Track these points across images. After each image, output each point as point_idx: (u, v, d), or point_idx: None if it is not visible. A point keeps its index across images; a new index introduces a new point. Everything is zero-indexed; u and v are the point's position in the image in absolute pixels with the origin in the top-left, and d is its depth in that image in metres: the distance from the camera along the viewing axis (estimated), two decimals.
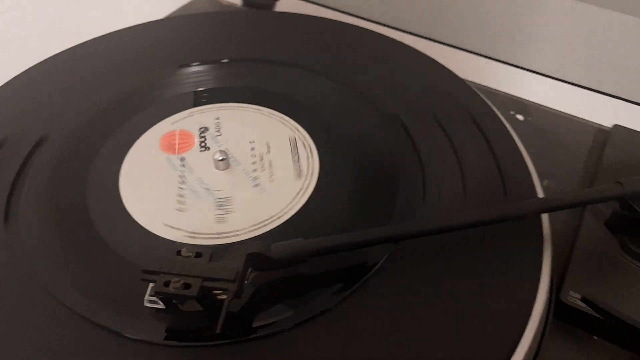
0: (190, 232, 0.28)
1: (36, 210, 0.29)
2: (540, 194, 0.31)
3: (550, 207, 0.28)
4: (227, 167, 0.31)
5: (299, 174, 0.30)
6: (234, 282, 0.22)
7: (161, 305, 0.24)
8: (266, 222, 0.29)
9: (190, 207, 0.29)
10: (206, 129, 0.34)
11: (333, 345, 0.24)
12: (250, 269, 0.24)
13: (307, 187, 0.30)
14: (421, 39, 0.47)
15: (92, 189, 0.30)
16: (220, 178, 0.31)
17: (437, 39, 0.48)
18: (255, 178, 0.31)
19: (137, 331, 0.24)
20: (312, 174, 0.31)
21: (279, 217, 0.29)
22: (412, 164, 0.32)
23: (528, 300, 0.26)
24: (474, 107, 0.35)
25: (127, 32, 0.43)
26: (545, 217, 0.30)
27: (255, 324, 0.24)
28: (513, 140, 0.33)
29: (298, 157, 0.31)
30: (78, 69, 0.39)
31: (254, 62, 0.39)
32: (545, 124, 0.42)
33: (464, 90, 0.37)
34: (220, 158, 0.31)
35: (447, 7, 0.46)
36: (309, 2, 0.52)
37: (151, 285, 0.24)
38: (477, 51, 0.46)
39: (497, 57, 0.46)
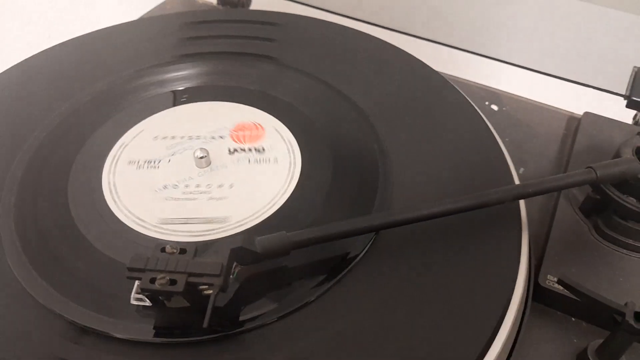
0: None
1: (16, 207, 0.29)
2: (516, 181, 0.32)
3: (527, 193, 0.28)
4: (208, 164, 0.31)
5: (162, 220, 0.29)
6: (219, 276, 0.23)
7: (147, 303, 0.24)
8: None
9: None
10: (261, 151, 0.34)
11: (319, 336, 0.24)
12: (235, 263, 0.24)
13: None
14: (395, 33, 0.48)
15: (74, 185, 0.30)
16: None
17: (411, 32, 0.48)
18: (174, 186, 0.31)
19: (124, 330, 0.24)
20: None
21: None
22: (389, 156, 0.32)
23: (508, 284, 0.27)
24: (448, 98, 0.36)
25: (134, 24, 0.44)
26: (521, 203, 0.30)
27: (241, 318, 0.24)
28: (489, 130, 0.34)
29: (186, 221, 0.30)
30: (82, 63, 0.39)
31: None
32: (519, 113, 0.43)
33: (438, 81, 0.37)
34: (201, 155, 0.31)
35: (420, 1, 0.47)
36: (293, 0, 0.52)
37: (137, 282, 0.24)
38: (451, 44, 0.47)
39: (470, 49, 0.47)
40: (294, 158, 0.32)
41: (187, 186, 0.30)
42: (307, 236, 0.25)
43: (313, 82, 0.36)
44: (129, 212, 0.29)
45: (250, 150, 0.33)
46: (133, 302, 0.24)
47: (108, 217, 0.29)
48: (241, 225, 0.29)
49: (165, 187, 0.30)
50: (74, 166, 0.31)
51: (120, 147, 0.33)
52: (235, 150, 0.33)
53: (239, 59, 0.39)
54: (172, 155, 0.32)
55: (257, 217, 0.29)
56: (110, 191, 0.30)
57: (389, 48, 0.40)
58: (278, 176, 0.31)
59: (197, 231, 0.28)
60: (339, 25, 0.42)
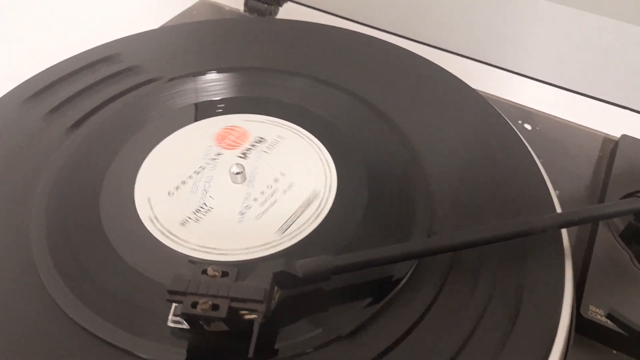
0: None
1: (47, 218, 0.29)
2: (557, 205, 0.31)
3: (572, 222, 0.28)
4: (241, 182, 0.31)
5: (281, 229, 0.29)
6: (263, 302, 0.22)
7: (185, 326, 0.23)
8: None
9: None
10: (262, 139, 0.33)
11: None
12: (276, 288, 0.24)
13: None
14: (423, 46, 0.47)
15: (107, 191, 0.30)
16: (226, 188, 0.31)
17: (440, 46, 0.48)
18: (247, 207, 0.30)
19: (158, 352, 0.23)
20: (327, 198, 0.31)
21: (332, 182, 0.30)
22: (427, 179, 0.31)
23: (553, 315, 0.26)
24: (487, 118, 0.35)
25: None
26: (563, 231, 0.30)
27: (280, 345, 0.24)
28: (529, 153, 0.33)
29: (298, 215, 0.30)
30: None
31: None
32: (553, 133, 0.42)
33: (476, 100, 0.36)
34: (236, 171, 0.30)
35: (453, 16, 0.46)
36: (312, 8, 0.52)
37: (174, 305, 0.23)
38: (482, 59, 0.46)
39: (503, 66, 0.46)
40: (297, 131, 0.33)
41: (256, 199, 0.30)
42: (350, 261, 0.25)
43: (356, 102, 0.36)
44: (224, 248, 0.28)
45: (253, 145, 0.33)
46: (170, 324, 0.23)
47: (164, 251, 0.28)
48: (332, 189, 0.30)
49: (242, 213, 0.29)
50: (104, 186, 0.30)
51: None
52: (244, 153, 0.32)
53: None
54: (206, 192, 0.31)
55: (331, 184, 0.30)
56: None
57: (429, 65, 0.39)
58: (300, 146, 0.32)
59: (311, 215, 0.29)
60: (377, 39, 0.42)
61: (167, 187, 0.31)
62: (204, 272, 0.23)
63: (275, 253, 0.27)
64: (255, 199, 0.30)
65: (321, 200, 0.30)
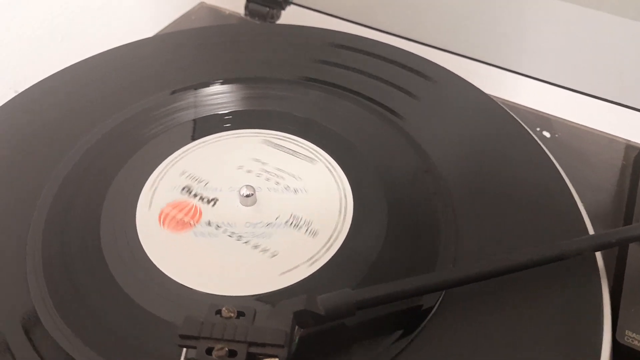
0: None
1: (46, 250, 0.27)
2: (587, 222, 0.29)
3: (609, 244, 0.26)
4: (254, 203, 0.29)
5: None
6: (284, 347, 0.20)
7: None
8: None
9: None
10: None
11: None
12: (296, 327, 0.22)
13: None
14: (437, 51, 0.45)
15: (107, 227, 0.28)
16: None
17: (452, 50, 0.46)
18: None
19: None
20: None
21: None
22: (448, 201, 0.29)
23: (594, 342, 0.24)
24: (510, 131, 0.33)
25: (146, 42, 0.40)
26: (598, 252, 0.28)
27: None
28: (555, 167, 0.31)
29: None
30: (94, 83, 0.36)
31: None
32: (573, 140, 0.40)
33: (497, 112, 0.34)
34: (247, 193, 0.28)
35: (464, 19, 0.44)
36: (317, 11, 0.50)
37: (185, 350, 0.21)
38: (496, 63, 0.44)
39: (518, 70, 0.44)
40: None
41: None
42: (375, 294, 0.23)
43: (369, 115, 0.34)
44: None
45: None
46: None
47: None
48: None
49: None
50: (104, 220, 0.28)
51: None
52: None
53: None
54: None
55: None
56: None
57: (445, 73, 0.37)
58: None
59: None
60: (396, 47, 0.40)
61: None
62: (218, 312, 0.21)
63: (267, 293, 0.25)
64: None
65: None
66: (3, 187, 0.30)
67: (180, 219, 0.28)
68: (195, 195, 0.29)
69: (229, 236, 0.27)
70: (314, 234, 0.27)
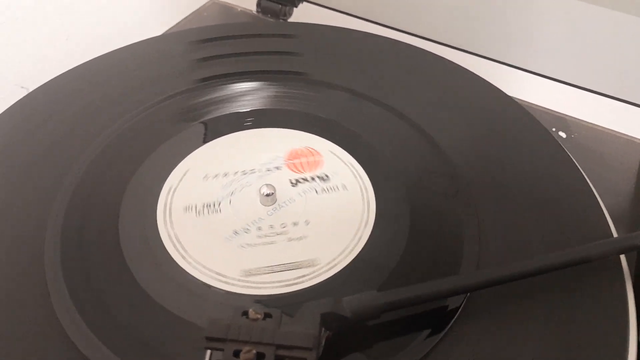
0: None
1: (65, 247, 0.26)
2: (611, 225, 0.29)
3: (633, 246, 0.26)
4: (274, 202, 0.28)
5: (247, 272, 0.26)
6: (312, 350, 0.20)
7: None
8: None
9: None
10: (326, 178, 0.30)
11: None
12: (323, 330, 0.21)
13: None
14: (453, 50, 0.45)
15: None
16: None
17: (467, 49, 0.45)
18: (245, 230, 0.28)
19: None
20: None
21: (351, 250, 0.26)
22: (471, 203, 0.29)
23: (620, 348, 0.24)
24: (530, 132, 0.33)
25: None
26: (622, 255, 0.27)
27: None
28: (577, 169, 0.31)
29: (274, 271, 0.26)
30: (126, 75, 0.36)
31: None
32: (590, 141, 0.40)
33: (517, 112, 0.34)
34: (268, 192, 0.28)
35: (481, 19, 0.44)
36: (328, 8, 0.49)
37: (209, 352, 0.21)
38: (512, 63, 0.44)
39: (533, 69, 0.44)
40: (363, 182, 0.29)
41: (259, 229, 0.27)
42: (401, 296, 0.22)
43: (390, 115, 0.33)
44: (203, 267, 0.25)
45: (313, 179, 0.30)
46: None
47: (180, 275, 0.25)
48: (332, 267, 0.26)
49: (235, 232, 0.27)
50: (122, 221, 0.28)
51: (169, 192, 0.29)
52: (298, 181, 0.30)
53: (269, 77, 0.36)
54: (231, 195, 0.29)
55: (347, 255, 0.26)
56: (175, 246, 0.26)
57: (465, 73, 0.37)
58: (353, 204, 0.28)
59: (286, 280, 0.25)
60: (411, 45, 0.39)
61: (207, 172, 0.30)
62: (244, 314, 0.21)
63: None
64: (259, 228, 0.27)
65: (313, 272, 0.26)
66: (23, 181, 0.29)
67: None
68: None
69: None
70: (336, 234, 0.27)
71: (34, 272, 0.25)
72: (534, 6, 0.43)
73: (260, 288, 0.25)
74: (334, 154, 0.31)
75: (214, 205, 0.28)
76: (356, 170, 0.30)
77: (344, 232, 0.27)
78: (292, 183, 0.30)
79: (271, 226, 0.27)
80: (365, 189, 0.29)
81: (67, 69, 0.37)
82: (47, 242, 0.26)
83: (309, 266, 0.26)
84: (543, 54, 0.43)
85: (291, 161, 0.30)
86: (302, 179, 0.30)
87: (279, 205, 0.28)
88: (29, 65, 0.51)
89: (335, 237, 0.27)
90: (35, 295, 0.25)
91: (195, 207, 0.28)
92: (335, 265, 0.26)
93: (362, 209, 0.28)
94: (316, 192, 0.29)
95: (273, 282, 0.25)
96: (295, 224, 0.27)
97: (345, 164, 0.30)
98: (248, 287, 0.25)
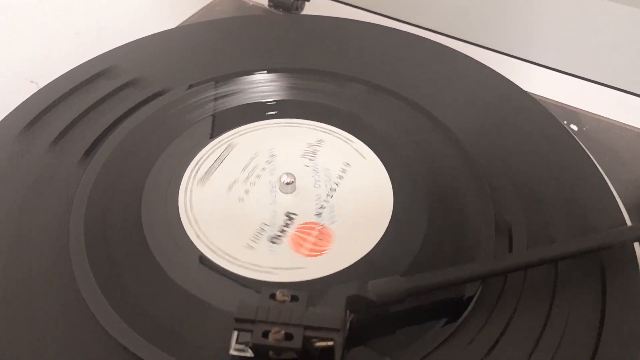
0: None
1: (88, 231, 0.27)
2: (626, 216, 0.29)
3: None
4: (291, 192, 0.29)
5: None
6: (339, 331, 0.20)
7: (249, 354, 0.21)
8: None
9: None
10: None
11: None
12: (348, 313, 0.22)
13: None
14: (465, 43, 0.45)
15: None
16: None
17: (478, 42, 0.46)
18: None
19: None
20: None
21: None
22: (489, 193, 0.29)
23: (634, 328, 0.24)
24: (546, 127, 0.33)
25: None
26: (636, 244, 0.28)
27: None
28: (591, 161, 0.31)
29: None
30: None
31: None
32: (601, 134, 0.40)
33: (533, 107, 0.34)
34: (288, 181, 0.28)
35: (495, 14, 0.44)
36: (340, 2, 0.50)
37: (236, 332, 0.21)
38: (524, 57, 0.44)
39: (544, 63, 0.44)
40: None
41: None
42: (425, 282, 0.23)
43: (412, 110, 0.34)
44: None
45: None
46: (232, 352, 0.21)
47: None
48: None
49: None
50: (144, 199, 0.28)
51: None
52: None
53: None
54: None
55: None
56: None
57: (482, 68, 0.37)
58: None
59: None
60: (431, 40, 0.39)
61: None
62: (272, 296, 0.21)
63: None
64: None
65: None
66: (45, 168, 0.30)
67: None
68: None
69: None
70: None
71: (61, 258, 0.26)
72: (549, 3, 0.43)
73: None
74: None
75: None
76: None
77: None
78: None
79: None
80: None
81: (77, 64, 0.37)
82: (71, 228, 0.27)
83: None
84: (556, 49, 0.43)
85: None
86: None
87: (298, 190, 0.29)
88: (39, 60, 0.51)
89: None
90: (61, 278, 0.25)
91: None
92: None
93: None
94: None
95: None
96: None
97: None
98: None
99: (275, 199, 0.28)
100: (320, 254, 0.26)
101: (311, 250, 0.26)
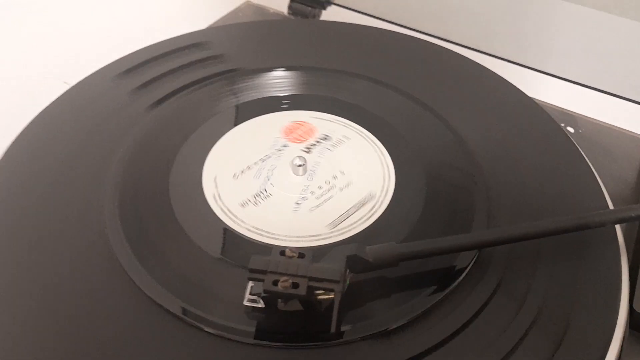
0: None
1: (120, 192, 0.30)
2: (611, 206, 0.32)
3: (627, 218, 0.28)
4: (302, 174, 0.32)
5: (332, 224, 0.30)
6: (339, 282, 0.23)
7: (261, 305, 0.24)
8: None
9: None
10: (327, 137, 0.34)
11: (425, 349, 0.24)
12: (347, 271, 0.25)
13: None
14: (467, 50, 0.48)
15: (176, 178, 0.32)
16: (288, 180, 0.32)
17: (480, 49, 0.48)
18: (304, 198, 0.31)
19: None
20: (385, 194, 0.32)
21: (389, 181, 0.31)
22: (487, 192, 0.32)
23: (611, 311, 0.26)
24: (541, 124, 0.36)
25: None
26: (618, 228, 0.30)
27: (352, 326, 0.25)
28: (584, 159, 0.34)
29: (351, 214, 0.30)
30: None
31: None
32: (596, 136, 0.43)
33: (529, 106, 0.37)
34: (299, 163, 0.31)
35: (496, 22, 0.47)
36: (356, 11, 0.53)
37: (251, 284, 0.24)
38: (523, 62, 0.47)
39: (543, 69, 0.47)
40: (357, 129, 0.35)
41: (312, 192, 0.31)
42: (417, 248, 0.26)
43: (421, 109, 0.37)
44: (296, 237, 0.29)
45: (318, 142, 0.34)
46: (246, 303, 0.24)
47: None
48: (388, 193, 0.31)
49: (297, 203, 0.31)
50: (176, 163, 0.32)
51: (215, 199, 0.32)
52: (308, 148, 0.34)
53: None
54: (268, 179, 0.32)
55: (388, 188, 0.31)
56: (259, 233, 0.29)
57: (485, 71, 0.40)
58: (363, 145, 0.33)
59: (363, 217, 0.30)
60: (437, 45, 0.43)
61: (233, 170, 0.32)
62: (282, 253, 0.24)
63: (323, 246, 0.28)
64: (312, 192, 0.31)
65: (376, 202, 0.31)
66: (122, 106, 0.35)
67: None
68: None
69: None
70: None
71: (98, 236, 0.29)
72: (548, 14, 0.46)
73: (349, 231, 0.29)
74: (318, 118, 0.36)
75: (263, 193, 0.31)
76: (345, 123, 0.35)
77: (373, 163, 0.32)
78: (306, 151, 0.33)
79: (319, 187, 0.32)
80: (362, 133, 0.34)
81: (106, 64, 0.41)
82: (108, 183, 0.31)
83: (371, 199, 0.31)
84: (555, 56, 0.46)
85: (290, 136, 0.34)
86: (310, 145, 0.34)
87: (311, 171, 0.32)
88: (71, 61, 0.55)
89: (371, 174, 0.32)
90: (97, 244, 0.28)
91: (250, 201, 0.31)
92: (389, 192, 0.31)
93: (373, 148, 0.33)
94: (328, 149, 0.33)
95: (354, 223, 0.30)
96: (335, 177, 0.32)
97: (332, 121, 0.35)
98: (339, 235, 0.29)
99: (297, 182, 0.32)
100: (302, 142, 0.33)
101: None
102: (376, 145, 0.34)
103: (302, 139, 0.34)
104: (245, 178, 0.32)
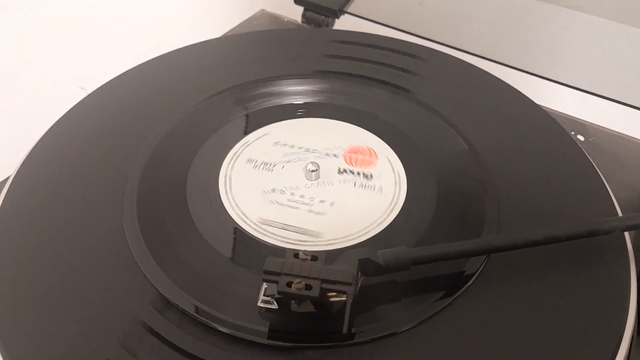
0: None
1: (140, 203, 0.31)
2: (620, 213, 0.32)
3: (638, 225, 0.29)
4: (316, 178, 0.33)
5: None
6: (351, 285, 0.24)
7: (274, 306, 0.25)
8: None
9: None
10: (369, 177, 0.34)
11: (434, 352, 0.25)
12: (359, 274, 0.25)
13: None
14: (478, 58, 0.49)
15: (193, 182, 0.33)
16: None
17: (491, 58, 0.49)
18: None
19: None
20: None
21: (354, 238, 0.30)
22: (494, 188, 0.32)
23: (620, 318, 0.27)
24: (552, 133, 0.36)
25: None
26: (626, 235, 0.31)
27: (362, 328, 0.25)
28: (593, 168, 0.34)
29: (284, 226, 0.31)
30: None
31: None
32: (606, 144, 0.43)
33: (540, 115, 0.38)
34: (312, 169, 0.32)
35: (505, 30, 0.48)
36: (368, 20, 0.54)
37: (265, 286, 0.25)
38: (533, 71, 0.48)
39: (554, 78, 0.47)
40: (399, 191, 0.33)
41: (292, 194, 0.32)
42: (428, 253, 0.26)
43: (435, 118, 0.37)
44: (236, 204, 0.31)
45: (358, 174, 0.34)
46: (260, 304, 0.25)
47: (217, 205, 0.31)
48: (332, 244, 0.30)
49: (273, 190, 0.32)
50: (196, 158, 0.34)
51: (243, 145, 0.35)
52: (345, 170, 0.34)
53: (363, 82, 0.40)
54: (287, 162, 0.34)
55: (349, 240, 0.30)
56: (225, 184, 0.33)
57: (496, 82, 0.41)
58: (379, 206, 0.32)
59: (291, 239, 0.30)
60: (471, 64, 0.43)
61: (248, 173, 0.34)
62: (296, 255, 0.25)
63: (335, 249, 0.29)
64: (292, 194, 0.32)
65: (387, 209, 0.32)
66: (98, 159, 0.35)
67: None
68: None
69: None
70: (347, 223, 0.31)
71: (115, 230, 0.30)
72: (559, 23, 0.47)
73: (269, 237, 0.30)
74: (389, 160, 0.35)
75: (270, 165, 0.34)
76: (399, 179, 0.34)
77: (356, 224, 0.31)
78: (339, 171, 0.34)
79: (302, 196, 0.32)
80: (399, 197, 0.33)
81: (122, 71, 0.42)
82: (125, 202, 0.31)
83: (313, 236, 0.30)
84: (565, 65, 0.47)
85: (349, 154, 0.35)
86: (350, 170, 0.34)
87: (319, 182, 0.33)
88: (89, 68, 0.57)
89: (347, 225, 0.31)
90: (115, 241, 0.29)
91: (255, 162, 0.34)
92: (335, 244, 0.30)
93: (382, 214, 0.32)
94: (354, 184, 0.33)
95: (280, 236, 0.30)
96: (322, 201, 0.32)
97: (394, 171, 0.34)
98: (261, 232, 0.30)
99: (297, 180, 0.33)
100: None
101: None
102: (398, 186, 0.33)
103: (353, 163, 0.34)
104: (279, 149, 0.35)
